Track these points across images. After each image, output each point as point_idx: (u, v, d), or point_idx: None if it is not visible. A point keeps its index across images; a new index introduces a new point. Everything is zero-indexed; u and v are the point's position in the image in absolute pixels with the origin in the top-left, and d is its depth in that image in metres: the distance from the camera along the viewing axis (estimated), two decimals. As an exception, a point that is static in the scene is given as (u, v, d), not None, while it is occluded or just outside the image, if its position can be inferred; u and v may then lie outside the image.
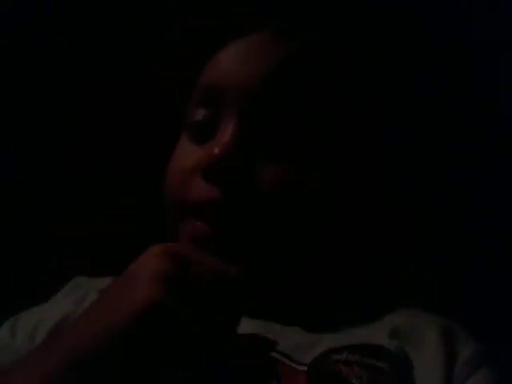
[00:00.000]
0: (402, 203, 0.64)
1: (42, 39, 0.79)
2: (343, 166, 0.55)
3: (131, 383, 0.37)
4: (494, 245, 0.70)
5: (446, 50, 0.72)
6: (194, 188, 0.50)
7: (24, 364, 0.40)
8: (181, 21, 0.72)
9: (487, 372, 0.49)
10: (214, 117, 0.52)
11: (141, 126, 0.77)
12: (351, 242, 0.58)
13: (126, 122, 0.78)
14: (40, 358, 0.39)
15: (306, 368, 0.45)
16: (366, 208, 0.59)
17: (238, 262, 0.44)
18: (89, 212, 0.77)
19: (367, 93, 0.60)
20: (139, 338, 0.37)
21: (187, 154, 0.53)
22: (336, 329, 0.50)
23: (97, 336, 0.37)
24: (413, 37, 0.73)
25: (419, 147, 0.72)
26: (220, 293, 0.40)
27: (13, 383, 0.39)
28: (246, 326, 0.46)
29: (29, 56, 0.79)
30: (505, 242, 0.70)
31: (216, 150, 0.48)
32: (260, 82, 0.51)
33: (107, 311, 0.38)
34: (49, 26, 0.79)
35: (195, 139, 0.53)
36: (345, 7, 0.66)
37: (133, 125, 0.78)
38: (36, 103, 0.80)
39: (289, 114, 0.51)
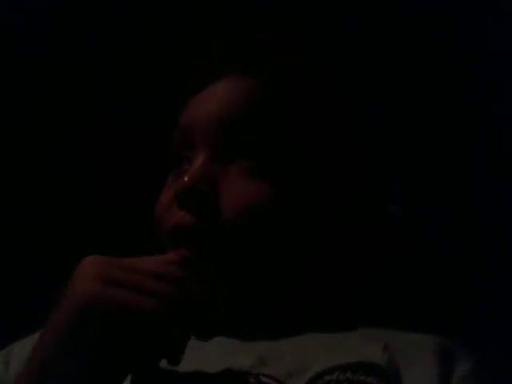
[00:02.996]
0: (393, 221, 0.65)
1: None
2: (319, 189, 0.56)
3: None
4: (488, 261, 0.70)
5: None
6: (172, 216, 0.54)
7: None
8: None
9: None
10: (191, 153, 0.56)
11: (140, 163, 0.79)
12: (337, 259, 0.58)
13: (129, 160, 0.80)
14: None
15: None
16: (351, 226, 0.59)
17: (219, 282, 0.49)
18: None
19: (341, 116, 0.60)
20: (83, 332, 0.39)
21: (169, 187, 0.57)
22: (328, 347, 0.50)
23: (51, 340, 0.40)
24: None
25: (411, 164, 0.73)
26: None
27: None
28: (238, 348, 0.49)
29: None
30: (498, 258, 0.70)
31: (186, 178, 0.52)
32: (226, 117, 0.55)
33: (56, 313, 0.41)
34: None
35: (177, 174, 0.57)
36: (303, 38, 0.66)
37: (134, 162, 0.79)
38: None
39: (258, 141, 0.54)
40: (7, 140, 0.80)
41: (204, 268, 0.50)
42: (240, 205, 0.51)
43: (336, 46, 0.71)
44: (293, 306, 0.55)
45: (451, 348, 0.50)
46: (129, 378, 0.42)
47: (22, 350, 0.55)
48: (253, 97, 0.55)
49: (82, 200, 0.80)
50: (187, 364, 0.47)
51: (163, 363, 0.43)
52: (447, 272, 0.71)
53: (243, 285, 0.52)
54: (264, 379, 0.46)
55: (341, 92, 0.61)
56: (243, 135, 0.54)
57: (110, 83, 0.81)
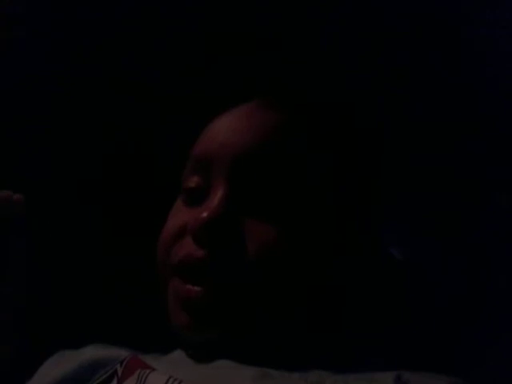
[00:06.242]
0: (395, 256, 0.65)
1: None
2: (334, 229, 0.56)
3: None
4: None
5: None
6: (183, 247, 0.53)
7: None
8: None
9: None
10: (206, 183, 0.55)
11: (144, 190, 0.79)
12: (346, 292, 0.58)
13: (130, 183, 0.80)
14: None
15: None
16: (359, 264, 0.59)
17: (223, 319, 0.50)
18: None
19: (359, 158, 0.60)
20: None
21: (179, 215, 0.57)
22: (339, 371, 0.49)
23: None
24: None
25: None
26: None
27: None
28: (243, 373, 0.48)
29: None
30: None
31: (204, 214, 0.51)
32: (245, 151, 0.53)
33: None
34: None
35: (188, 203, 0.57)
36: (329, 73, 0.66)
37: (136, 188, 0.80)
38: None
39: (276, 179, 0.53)
40: (7, 140, 0.80)
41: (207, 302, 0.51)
42: (259, 247, 0.51)
43: (333, 45, 0.71)
44: (301, 338, 0.54)
45: None
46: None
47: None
48: (276, 131, 0.54)
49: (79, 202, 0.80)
50: (188, 374, 0.47)
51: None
52: (449, 276, 0.71)
53: (245, 321, 0.51)
54: None
55: (363, 136, 0.61)
56: (264, 171, 0.53)
57: (111, 83, 0.81)
